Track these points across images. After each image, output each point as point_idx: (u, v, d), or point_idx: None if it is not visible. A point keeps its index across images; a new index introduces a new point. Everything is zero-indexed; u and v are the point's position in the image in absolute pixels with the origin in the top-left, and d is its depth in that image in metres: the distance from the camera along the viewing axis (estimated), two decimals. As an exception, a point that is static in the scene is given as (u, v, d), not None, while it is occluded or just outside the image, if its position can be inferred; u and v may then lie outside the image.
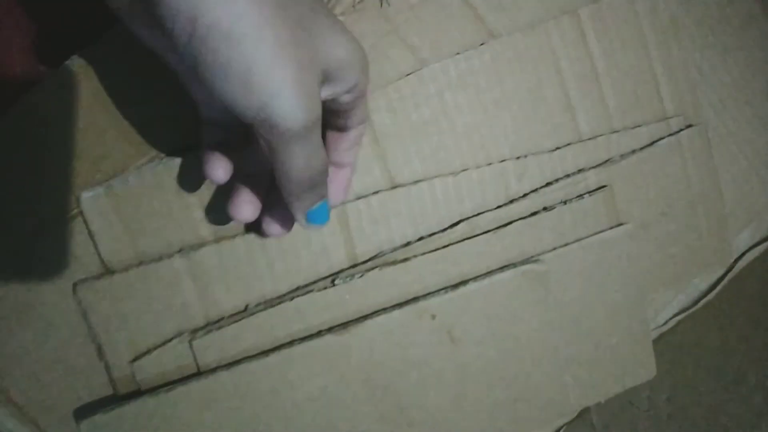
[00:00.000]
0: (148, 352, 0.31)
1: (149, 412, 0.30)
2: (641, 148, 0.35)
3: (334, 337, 0.32)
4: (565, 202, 0.33)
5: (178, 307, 0.30)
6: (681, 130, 0.36)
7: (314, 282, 0.32)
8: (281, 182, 0.21)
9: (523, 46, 0.33)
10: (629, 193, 0.35)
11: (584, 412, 0.37)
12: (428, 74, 0.31)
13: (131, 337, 0.31)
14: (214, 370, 0.31)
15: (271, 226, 0.27)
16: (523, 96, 0.33)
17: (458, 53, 0.32)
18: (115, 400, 0.31)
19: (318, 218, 0.23)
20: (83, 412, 0.31)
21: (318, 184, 0.22)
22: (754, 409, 0.36)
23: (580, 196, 0.33)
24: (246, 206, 0.25)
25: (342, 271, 0.32)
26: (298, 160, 0.20)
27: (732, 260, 0.39)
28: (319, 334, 0.32)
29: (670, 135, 0.35)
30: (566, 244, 0.33)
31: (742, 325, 0.38)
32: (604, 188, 0.34)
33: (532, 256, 0.33)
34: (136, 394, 0.31)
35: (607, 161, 0.34)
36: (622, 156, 0.34)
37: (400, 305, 0.32)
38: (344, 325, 0.32)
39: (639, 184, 0.35)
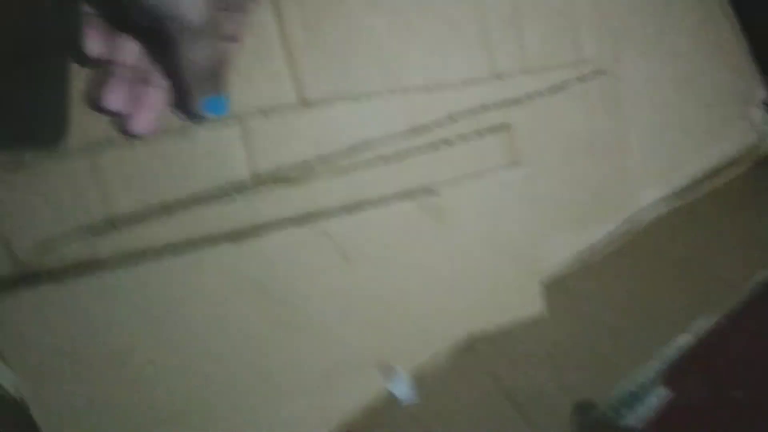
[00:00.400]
0: (49, 243, 0.32)
1: (48, 301, 0.31)
2: (549, 91, 0.35)
3: (232, 246, 0.33)
4: (465, 138, 0.34)
5: (79, 205, 0.31)
6: (591, 77, 0.36)
7: (213, 192, 0.32)
8: (184, 72, 0.24)
9: (446, -23, 0.32)
10: (534, 134, 0.36)
11: (473, 339, 0.39)
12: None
13: (33, 228, 0.31)
14: (113, 267, 0.32)
15: (142, 123, 0.27)
16: (440, 27, 0.33)
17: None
18: (12, 286, 0.32)
19: (216, 108, 0.27)
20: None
21: (217, 74, 0.25)
22: (623, 362, 0.38)
23: (480, 133, 0.34)
24: (118, 96, 0.26)
25: (241, 184, 0.33)
26: (201, 51, 0.24)
27: (632, 211, 0.40)
28: (216, 241, 0.33)
29: (580, 81, 0.36)
30: (464, 179, 0.34)
31: (631, 280, 0.40)
32: (505, 127, 0.35)
33: (429, 188, 0.34)
34: (35, 282, 0.32)
35: (513, 101, 0.35)
36: (529, 96, 0.35)
37: (297, 222, 0.33)
38: (241, 236, 0.33)
39: (544, 127, 0.36)
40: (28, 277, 0.32)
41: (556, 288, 0.40)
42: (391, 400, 0.38)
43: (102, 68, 0.26)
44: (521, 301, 0.37)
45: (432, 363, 0.39)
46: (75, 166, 0.30)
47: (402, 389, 0.38)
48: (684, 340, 0.37)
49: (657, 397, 0.36)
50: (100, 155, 0.30)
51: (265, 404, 0.35)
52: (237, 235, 0.33)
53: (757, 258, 0.39)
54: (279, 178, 0.33)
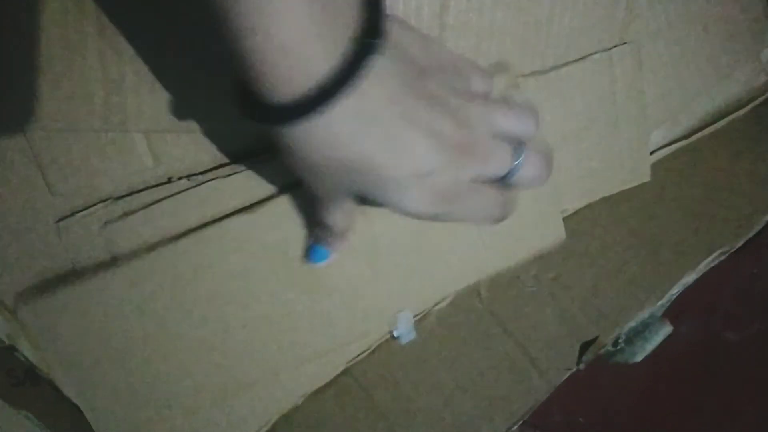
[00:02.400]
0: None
1: (81, 296, 0.32)
2: (573, 61, 0.35)
3: (244, 216, 0.32)
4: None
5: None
6: (614, 46, 0.36)
7: (217, 167, 0.33)
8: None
9: None
10: (555, 104, 0.35)
11: (475, 284, 0.38)
12: None
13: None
14: (134, 257, 0.32)
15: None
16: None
17: None
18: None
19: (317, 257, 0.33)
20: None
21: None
22: (627, 300, 0.38)
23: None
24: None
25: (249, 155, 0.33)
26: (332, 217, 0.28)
27: (648, 179, 0.39)
28: (228, 216, 0.33)
29: (603, 51, 0.35)
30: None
31: (632, 221, 0.40)
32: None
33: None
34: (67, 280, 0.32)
35: (535, 72, 0.34)
36: (553, 67, 0.34)
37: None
38: (252, 206, 0.33)
39: (565, 97, 0.35)
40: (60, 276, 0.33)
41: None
42: (391, 340, 0.38)
43: None
44: (544, 232, 0.38)
45: (436, 306, 0.39)
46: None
47: (402, 329, 0.37)
48: (689, 278, 0.37)
49: (660, 333, 0.36)
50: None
51: (295, 368, 0.36)
52: (249, 206, 0.33)
53: (763, 197, 0.38)
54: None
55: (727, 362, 0.48)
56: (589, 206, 0.40)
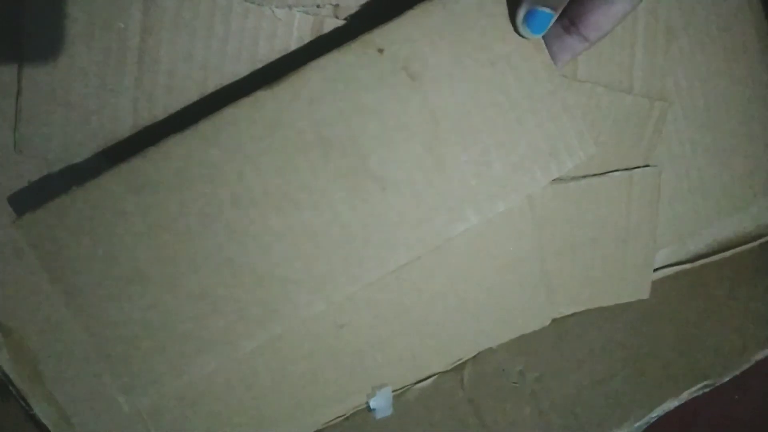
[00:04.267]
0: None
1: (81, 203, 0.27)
2: (594, 175, 0.36)
3: (265, 92, 0.27)
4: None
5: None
6: (637, 167, 0.37)
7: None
8: None
9: None
10: (569, 213, 0.36)
11: (459, 367, 0.39)
12: None
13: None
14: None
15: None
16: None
17: None
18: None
19: (536, 26, 0.26)
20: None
21: None
22: (606, 415, 0.38)
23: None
24: None
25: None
26: None
27: (646, 296, 0.40)
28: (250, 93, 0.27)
29: (625, 170, 0.36)
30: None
31: (624, 334, 0.40)
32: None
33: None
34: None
35: (556, 180, 0.35)
36: (573, 178, 0.35)
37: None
38: (277, 80, 0.27)
39: (581, 208, 0.36)
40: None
41: (552, 327, 0.39)
42: (366, 411, 0.38)
43: None
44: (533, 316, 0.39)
45: (418, 384, 0.39)
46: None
47: (379, 403, 0.37)
48: (670, 405, 0.37)
49: (632, 458, 0.36)
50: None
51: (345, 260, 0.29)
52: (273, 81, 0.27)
53: (757, 336, 0.39)
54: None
55: None
56: (585, 311, 0.40)
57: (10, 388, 0.32)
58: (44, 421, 0.33)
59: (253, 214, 0.28)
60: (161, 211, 0.27)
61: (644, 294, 0.40)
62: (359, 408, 0.38)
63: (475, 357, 0.39)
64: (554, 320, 0.40)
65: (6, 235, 0.31)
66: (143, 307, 0.28)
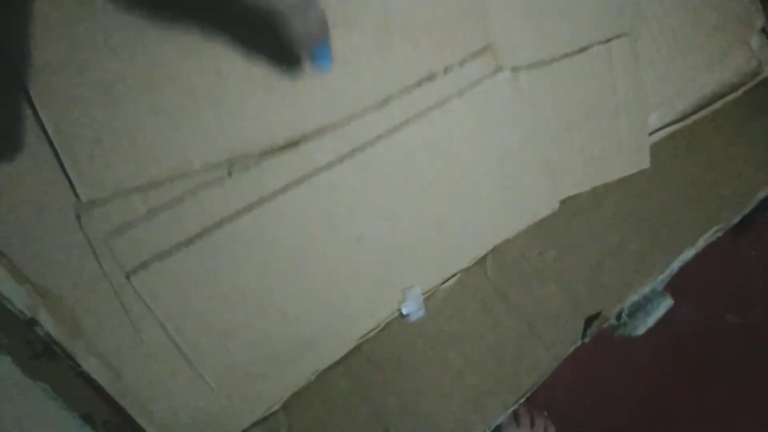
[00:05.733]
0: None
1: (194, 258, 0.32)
2: (572, 53, 0.36)
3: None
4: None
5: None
6: (611, 39, 0.37)
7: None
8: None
9: None
10: (557, 95, 0.37)
11: (481, 260, 0.40)
12: None
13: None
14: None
15: None
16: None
17: None
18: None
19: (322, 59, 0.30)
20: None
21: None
22: (629, 275, 0.39)
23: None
24: None
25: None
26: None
27: (647, 166, 0.41)
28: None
29: (601, 43, 0.37)
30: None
31: (631, 202, 0.41)
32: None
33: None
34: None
35: (536, 62, 0.36)
36: (553, 59, 0.36)
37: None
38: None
39: (567, 88, 0.37)
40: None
41: (563, 206, 0.40)
42: (400, 318, 0.39)
43: None
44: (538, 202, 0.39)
45: (444, 284, 0.40)
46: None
47: (411, 306, 0.38)
48: (688, 254, 0.38)
49: (661, 307, 0.37)
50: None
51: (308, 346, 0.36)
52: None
53: (757, 177, 0.40)
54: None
55: (730, 344, 0.49)
56: (591, 189, 0.41)
57: (55, 348, 0.33)
58: (94, 376, 0.34)
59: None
60: None
61: (645, 163, 0.41)
62: (392, 317, 0.39)
63: (494, 249, 0.40)
64: (562, 202, 0.41)
65: (29, 195, 0.31)
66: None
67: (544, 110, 0.38)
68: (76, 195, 0.31)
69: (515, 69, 0.36)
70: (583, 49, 0.38)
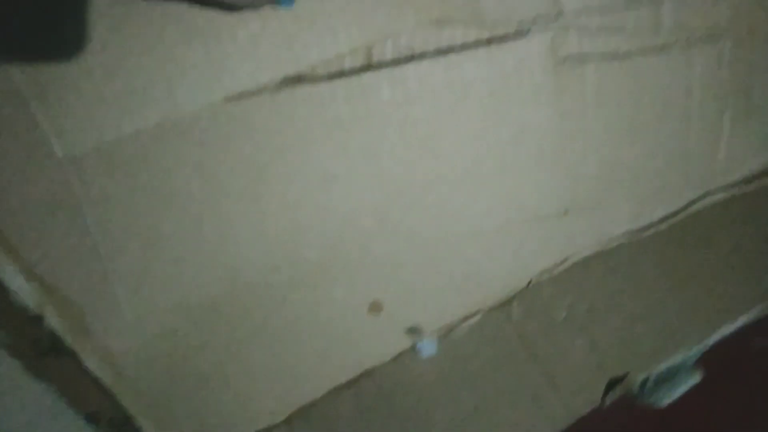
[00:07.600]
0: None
1: None
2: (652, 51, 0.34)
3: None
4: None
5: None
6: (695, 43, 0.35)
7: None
8: None
9: None
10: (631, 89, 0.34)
11: (507, 302, 0.38)
12: None
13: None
14: None
15: None
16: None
17: None
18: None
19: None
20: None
21: None
22: (660, 343, 0.37)
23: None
24: None
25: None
26: None
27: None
28: None
29: (708, 39, 0.34)
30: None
31: (678, 262, 0.39)
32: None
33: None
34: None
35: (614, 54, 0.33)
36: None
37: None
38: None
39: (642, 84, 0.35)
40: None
41: (601, 259, 0.39)
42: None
43: None
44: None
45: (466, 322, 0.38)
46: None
47: (424, 343, 0.37)
48: (725, 330, 0.36)
49: (688, 382, 0.35)
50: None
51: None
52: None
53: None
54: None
55: (757, 368, 0.45)
56: (637, 241, 0.39)
57: (61, 344, 0.33)
58: (97, 373, 0.33)
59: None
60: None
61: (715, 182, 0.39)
62: (405, 349, 0.38)
63: (521, 292, 0.39)
64: (601, 253, 0.39)
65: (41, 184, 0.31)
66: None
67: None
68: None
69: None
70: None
